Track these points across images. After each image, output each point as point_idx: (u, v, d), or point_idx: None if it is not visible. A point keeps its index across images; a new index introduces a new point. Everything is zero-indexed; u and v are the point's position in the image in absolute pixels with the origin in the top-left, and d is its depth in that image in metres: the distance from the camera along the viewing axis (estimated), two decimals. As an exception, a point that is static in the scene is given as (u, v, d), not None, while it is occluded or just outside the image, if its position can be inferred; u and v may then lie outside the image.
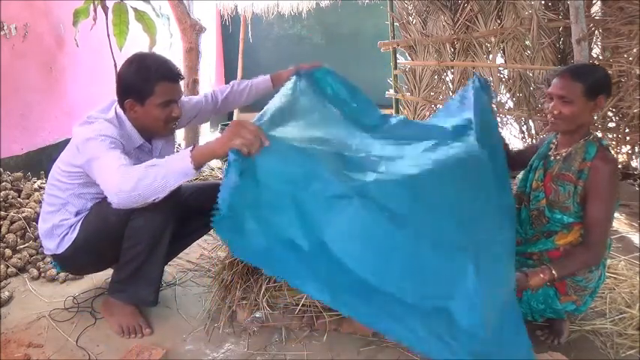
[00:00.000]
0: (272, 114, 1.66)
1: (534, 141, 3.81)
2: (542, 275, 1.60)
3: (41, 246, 2.43)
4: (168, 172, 1.50)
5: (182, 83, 1.89)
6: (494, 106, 2.03)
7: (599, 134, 3.99)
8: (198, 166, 1.49)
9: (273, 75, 2.25)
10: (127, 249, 1.82)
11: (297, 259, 1.37)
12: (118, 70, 1.86)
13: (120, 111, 1.84)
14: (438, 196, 1.50)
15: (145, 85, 1.77)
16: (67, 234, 1.85)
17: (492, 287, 1.42)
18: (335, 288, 1.36)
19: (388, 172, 1.52)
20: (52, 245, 1.88)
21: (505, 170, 1.76)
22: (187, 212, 1.98)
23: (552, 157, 1.81)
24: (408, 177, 1.49)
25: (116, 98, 1.87)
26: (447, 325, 1.36)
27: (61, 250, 1.86)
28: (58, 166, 1.86)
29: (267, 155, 1.42)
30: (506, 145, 2.01)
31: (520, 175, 1.97)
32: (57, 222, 1.85)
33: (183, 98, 2.09)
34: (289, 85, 1.98)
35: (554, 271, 1.61)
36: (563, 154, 1.76)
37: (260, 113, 1.66)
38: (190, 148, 1.51)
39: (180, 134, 4.80)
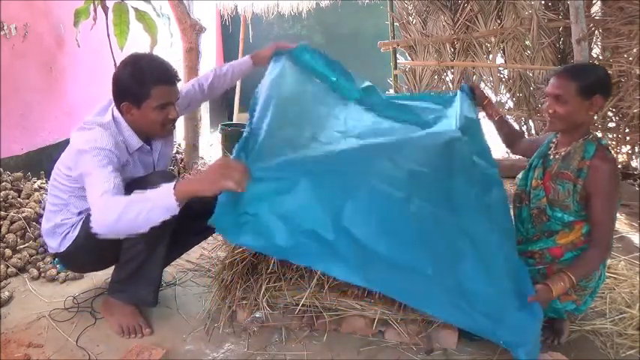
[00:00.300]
0: (261, 130, 1.67)
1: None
2: (562, 283, 1.62)
3: (41, 246, 2.45)
4: (153, 206, 1.48)
5: (179, 84, 1.89)
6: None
7: (600, 134, 4.00)
8: (181, 203, 1.48)
9: (253, 55, 2.25)
10: (126, 248, 1.83)
11: (322, 248, 1.46)
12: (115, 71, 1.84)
13: (117, 113, 1.83)
14: (433, 178, 1.66)
15: (141, 88, 1.75)
16: (68, 232, 1.85)
17: (492, 261, 1.58)
18: (363, 269, 1.47)
19: (387, 157, 1.66)
20: (54, 244, 1.90)
21: (494, 172, 1.83)
22: (188, 213, 1.98)
23: (552, 156, 1.82)
24: (405, 161, 1.66)
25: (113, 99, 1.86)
26: (462, 294, 1.51)
27: (63, 249, 1.87)
28: (58, 167, 1.85)
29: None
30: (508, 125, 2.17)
31: (520, 175, 1.97)
32: (59, 221, 1.86)
33: None
34: (272, 72, 2.00)
35: (571, 276, 1.62)
36: (562, 153, 1.76)
37: (252, 123, 1.70)
38: (173, 184, 1.48)
39: (180, 134, 4.80)
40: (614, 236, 2.65)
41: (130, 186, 1.77)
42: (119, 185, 1.61)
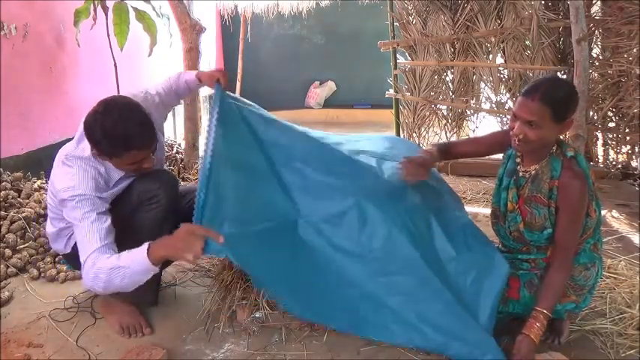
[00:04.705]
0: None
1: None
2: (538, 324, 1.57)
3: (41, 246, 2.46)
4: (133, 273, 1.54)
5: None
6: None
7: (600, 134, 4.00)
8: (158, 264, 1.53)
9: (200, 74, 2.09)
10: (125, 247, 1.82)
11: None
12: (89, 116, 1.64)
13: None
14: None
15: (111, 151, 1.64)
16: (72, 234, 1.86)
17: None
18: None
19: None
20: (60, 246, 1.92)
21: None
22: (189, 214, 1.99)
23: (521, 174, 1.77)
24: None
25: None
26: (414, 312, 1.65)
27: (69, 250, 1.89)
28: (51, 192, 1.81)
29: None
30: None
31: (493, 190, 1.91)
32: (63, 225, 1.86)
33: (153, 101, 2.00)
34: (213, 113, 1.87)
35: (544, 310, 1.59)
36: (532, 173, 1.72)
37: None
38: (146, 247, 1.52)
39: (180, 134, 4.81)
40: (614, 236, 2.68)
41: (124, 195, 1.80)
42: (106, 235, 1.61)
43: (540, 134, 1.59)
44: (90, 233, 1.61)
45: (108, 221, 1.66)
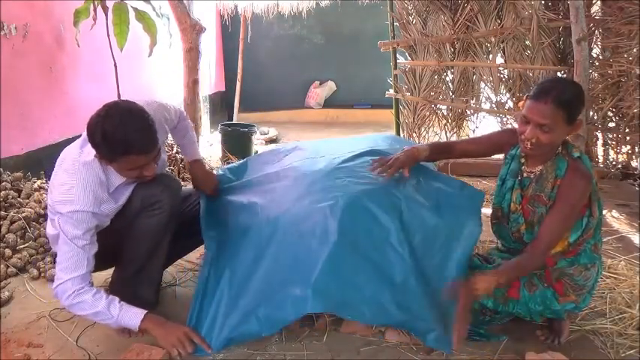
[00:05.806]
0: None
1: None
2: (489, 277, 1.60)
3: (41, 246, 2.46)
4: (115, 323, 1.68)
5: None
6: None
7: (600, 134, 4.00)
8: (141, 331, 1.71)
9: (193, 164, 2.15)
10: (128, 249, 1.83)
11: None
12: (92, 121, 1.61)
13: None
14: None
15: (110, 154, 1.62)
16: None
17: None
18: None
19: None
20: None
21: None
22: (190, 215, 1.99)
23: (525, 175, 1.77)
24: None
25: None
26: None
27: None
28: (51, 187, 1.78)
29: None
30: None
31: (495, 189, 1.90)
32: None
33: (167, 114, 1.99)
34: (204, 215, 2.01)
35: (499, 279, 1.60)
36: (537, 173, 1.72)
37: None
38: (144, 314, 1.68)
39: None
40: (614, 236, 2.68)
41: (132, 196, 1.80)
42: (91, 260, 1.68)
43: (552, 137, 1.60)
44: (78, 256, 1.65)
45: (95, 247, 1.70)
